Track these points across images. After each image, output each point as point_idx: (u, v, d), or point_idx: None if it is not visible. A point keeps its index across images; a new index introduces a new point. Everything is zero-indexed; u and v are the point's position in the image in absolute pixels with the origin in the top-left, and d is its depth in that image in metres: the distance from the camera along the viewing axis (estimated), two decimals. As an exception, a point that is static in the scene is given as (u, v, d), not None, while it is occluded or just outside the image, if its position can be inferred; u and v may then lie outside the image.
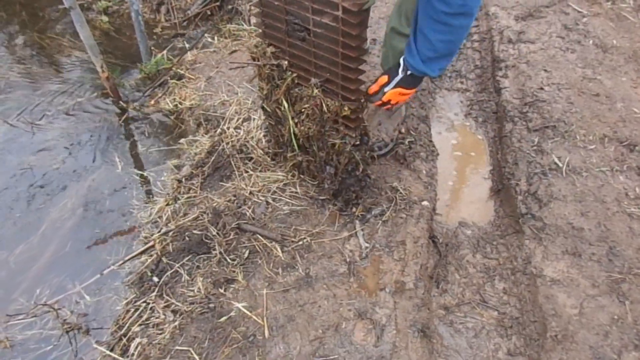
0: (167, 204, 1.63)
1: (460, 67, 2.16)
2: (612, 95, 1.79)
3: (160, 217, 1.60)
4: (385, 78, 1.28)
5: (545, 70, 1.92)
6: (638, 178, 1.53)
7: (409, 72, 1.21)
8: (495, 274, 1.44)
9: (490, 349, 1.28)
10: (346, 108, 1.20)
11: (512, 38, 2.12)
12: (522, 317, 1.32)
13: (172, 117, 2.05)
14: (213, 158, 1.70)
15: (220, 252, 1.37)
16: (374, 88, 1.31)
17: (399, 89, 1.26)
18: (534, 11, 2.24)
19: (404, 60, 1.22)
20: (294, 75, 1.24)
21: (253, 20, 2.25)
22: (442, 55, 1.13)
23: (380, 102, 1.31)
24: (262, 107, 1.41)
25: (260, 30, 1.26)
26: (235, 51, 2.21)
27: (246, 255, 1.36)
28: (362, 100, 1.23)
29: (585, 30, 2.07)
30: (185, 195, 1.61)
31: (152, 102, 2.13)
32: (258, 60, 1.28)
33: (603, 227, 1.42)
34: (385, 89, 1.28)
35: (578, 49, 1.99)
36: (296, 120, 1.31)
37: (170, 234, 1.47)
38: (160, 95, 2.14)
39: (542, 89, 1.85)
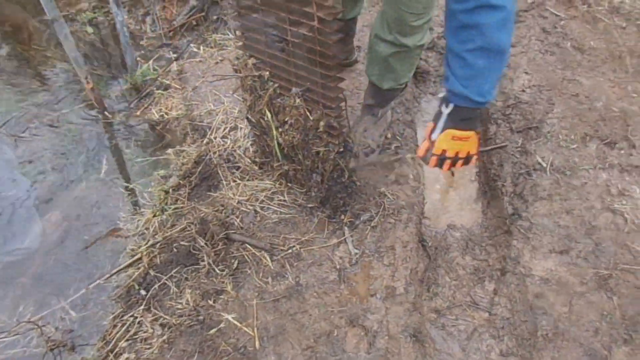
0: (154, 216, 1.61)
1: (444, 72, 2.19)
2: (591, 95, 1.83)
3: (147, 228, 1.57)
4: (431, 125, 1.05)
5: (526, 73, 1.95)
6: (620, 175, 1.56)
7: (451, 105, 0.99)
8: (485, 275, 1.45)
9: (483, 350, 1.28)
10: (322, 123, 1.19)
11: (493, 42, 2.16)
12: (513, 317, 1.33)
13: (158, 128, 2.03)
14: (200, 168, 1.69)
15: (209, 263, 1.35)
16: (423, 146, 1.06)
17: (451, 132, 1.00)
18: (514, 15, 2.30)
19: (443, 95, 1.01)
20: (276, 85, 1.25)
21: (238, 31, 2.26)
22: (480, 72, 0.92)
23: (436, 158, 1.03)
24: (247, 118, 1.41)
25: (241, 43, 1.27)
26: (221, 61, 2.21)
27: (235, 265, 1.35)
28: (343, 108, 1.24)
29: (563, 33, 2.12)
30: (173, 206, 1.59)
31: (138, 112, 2.11)
32: (240, 72, 1.28)
33: (588, 224, 1.44)
34: (433, 137, 1.03)
35: (557, 51, 2.04)
36: (280, 130, 1.31)
37: (158, 245, 1.45)
38: (146, 105, 2.12)
39: (523, 91, 1.88)
